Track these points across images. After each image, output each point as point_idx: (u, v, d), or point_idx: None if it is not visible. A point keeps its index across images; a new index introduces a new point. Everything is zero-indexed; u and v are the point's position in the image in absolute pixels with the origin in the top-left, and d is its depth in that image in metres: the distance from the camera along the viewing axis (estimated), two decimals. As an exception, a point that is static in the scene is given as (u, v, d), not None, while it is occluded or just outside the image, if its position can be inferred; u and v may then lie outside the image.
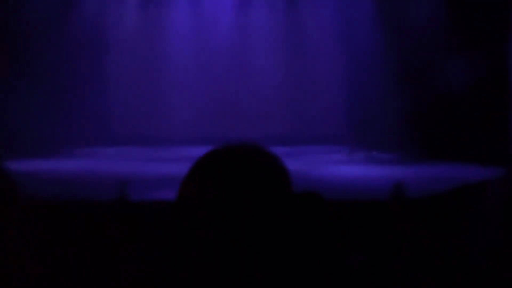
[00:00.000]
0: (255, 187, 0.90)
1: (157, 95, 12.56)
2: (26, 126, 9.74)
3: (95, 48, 12.09)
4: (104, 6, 12.20)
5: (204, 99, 12.56)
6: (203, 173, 0.93)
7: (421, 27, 9.95)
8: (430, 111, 9.58)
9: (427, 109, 9.68)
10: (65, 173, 7.45)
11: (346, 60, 12.62)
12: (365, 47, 11.59)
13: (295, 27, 12.70)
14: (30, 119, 9.82)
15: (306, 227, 1.95)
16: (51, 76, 10.75)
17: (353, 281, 1.43)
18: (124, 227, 4.05)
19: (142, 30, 12.52)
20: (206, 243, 0.87)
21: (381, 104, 11.01)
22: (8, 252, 1.35)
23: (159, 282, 1.07)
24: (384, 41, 11.14)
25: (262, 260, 0.88)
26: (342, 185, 6.43)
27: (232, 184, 0.89)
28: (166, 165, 8.30)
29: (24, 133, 9.54)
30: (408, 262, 3.78)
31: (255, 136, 12.31)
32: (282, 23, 12.67)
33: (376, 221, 5.19)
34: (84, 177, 7.01)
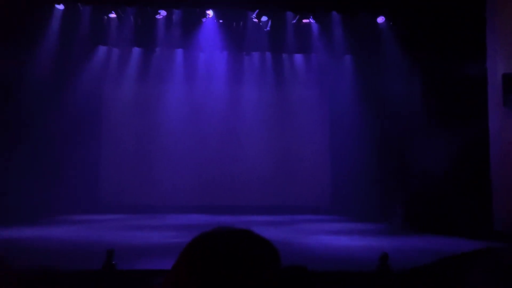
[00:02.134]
0: (247, 273, 0.88)
1: (147, 165, 12.75)
2: (14, 192, 9.75)
3: (88, 118, 12.43)
4: (101, 80, 12.75)
5: (194, 169, 12.78)
6: (193, 259, 0.91)
7: (401, 101, 10.47)
8: (413, 184, 9.81)
9: (410, 183, 9.91)
10: (51, 241, 7.39)
11: (331, 134, 13.17)
12: (349, 122, 12.14)
13: (283, 102, 13.35)
14: (18, 186, 9.85)
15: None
16: (43, 144, 10.94)
17: None
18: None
19: (136, 104, 12.96)
20: None
21: (364, 177, 11.30)
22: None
23: None
24: (366, 115, 11.69)
25: None
26: (329, 255, 6.47)
27: (222, 271, 0.88)
28: (154, 234, 8.29)
29: (12, 200, 9.53)
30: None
31: (242, 205, 12.42)
32: (271, 99, 13.30)
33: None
34: (71, 245, 6.96)
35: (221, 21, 11.53)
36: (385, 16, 11.25)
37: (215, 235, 0.96)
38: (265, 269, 0.92)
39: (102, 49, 12.55)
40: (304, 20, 11.68)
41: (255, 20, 11.44)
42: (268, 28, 11.58)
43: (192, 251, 0.93)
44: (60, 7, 10.92)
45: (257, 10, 11.20)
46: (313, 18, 11.68)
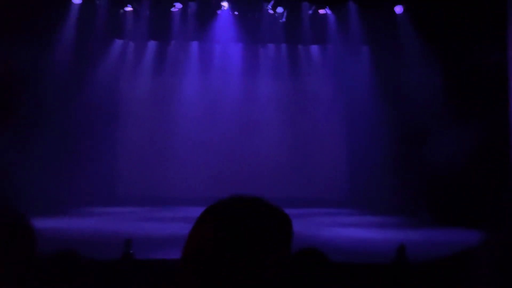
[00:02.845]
0: (260, 237, 0.92)
1: (163, 157, 12.82)
2: (35, 185, 9.93)
3: (105, 111, 12.55)
4: (118, 73, 12.84)
5: (211, 162, 12.79)
6: (210, 222, 0.95)
7: (420, 93, 10.30)
8: (433, 176, 9.68)
9: (430, 175, 9.78)
10: (71, 231, 7.52)
11: (348, 127, 13.02)
12: (366, 114, 11.98)
13: (299, 94, 13.23)
14: (37, 179, 10.02)
15: (308, 282, 2.03)
16: (61, 138, 11.09)
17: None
18: (128, 285, 4.08)
19: (152, 97, 13.02)
20: None
21: (382, 169, 11.18)
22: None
23: None
24: (384, 107, 11.54)
25: None
26: (346, 247, 6.44)
27: (237, 232, 0.91)
28: (170, 225, 8.36)
29: (31, 192, 9.70)
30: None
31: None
32: (287, 91, 13.21)
33: (379, 284, 5.17)
34: (90, 236, 7.07)
35: (236, 12, 11.48)
36: (403, 6, 11.05)
37: (228, 204, 0.99)
38: (276, 240, 0.95)
39: (118, 43, 12.64)
40: (320, 11, 11.56)
41: (271, 11, 11.36)
42: (283, 19, 11.48)
43: (205, 219, 0.97)
44: (77, 1, 11.02)
45: (272, 1, 11.12)
46: (330, 9, 11.54)
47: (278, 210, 1.02)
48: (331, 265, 2.13)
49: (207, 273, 0.90)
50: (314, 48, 13.10)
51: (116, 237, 6.75)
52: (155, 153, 12.85)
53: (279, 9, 11.31)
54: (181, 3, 11.29)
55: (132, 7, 11.45)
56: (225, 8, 11.39)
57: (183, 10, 11.43)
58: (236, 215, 0.95)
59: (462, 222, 8.48)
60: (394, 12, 11.16)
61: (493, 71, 8.87)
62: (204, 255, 0.91)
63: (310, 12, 11.48)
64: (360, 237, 7.25)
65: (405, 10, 11.10)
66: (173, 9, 11.44)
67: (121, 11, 11.53)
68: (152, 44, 12.86)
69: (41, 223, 8.29)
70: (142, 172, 12.71)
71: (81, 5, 11.08)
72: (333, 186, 12.81)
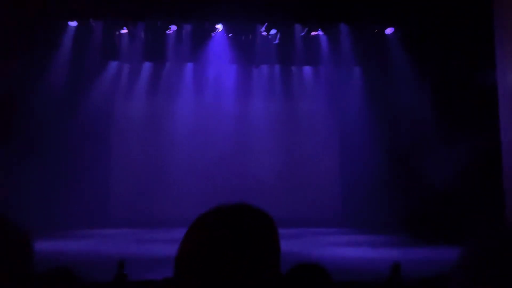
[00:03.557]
0: (254, 236, 0.96)
1: (157, 178, 12.79)
2: (28, 206, 9.85)
3: (100, 132, 12.56)
4: (112, 94, 12.91)
5: (204, 182, 12.78)
6: (200, 231, 0.99)
7: (411, 112, 10.43)
8: (423, 195, 9.72)
9: (420, 193, 9.82)
10: (64, 253, 7.45)
11: (340, 146, 13.12)
12: (358, 134, 12.10)
13: (292, 114, 13.36)
14: (29, 200, 9.95)
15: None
16: (55, 158, 11.07)
17: None
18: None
19: (146, 118, 13.08)
20: None
21: (375, 188, 11.22)
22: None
23: None
24: (376, 126, 11.66)
25: None
26: (340, 267, 6.42)
27: (226, 242, 0.95)
28: (164, 246, 8.30)
29: (23, 214, 9.61)
30: None
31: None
32: (280, 111, 13.33)
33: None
34: (83, 258, 7.00)
35: (230, 35, 11.67)
36: (393, 27, 11.29)
37: (212, 213, 1.04)
38: (267, 238, 0.99)
39: (113, 65, 12.75)
40: (313, 33, 11.77)
41: (264, 33, 11.56)
42: (277, 41, 11.68)
43: (191, 232, 1.01)
44: (73, 24, 11.16)
45: (266, 23, 11.32)
46: (322, 30, 11.76)
47: (262, 212, 1.08)
48: (332, 283, 2.13)
49: (204, 275, 0.92)
50: (307, 69, 13.30)
51: (109, 259, 6.70)
52: (149, 175, 12.83)
53: (273, 31, 11.52)
54: (176, 25, 11.47)
55: (127, 30, 11.60)
56: (219, 31, 11.58)
57: (178, 33, 11.60)
58: (229, 217, 1.00)
59: (454, 239, 8.49)
60: (384, 33, 11.41)
61: (482, 89, 9.00)
62: (200, 256, 0.94)
63: (303, 34, 11.70)
64: (354, 256, 7.24)
65: (395, 31, 11.35)
66: (168, 32, 11.61)
67: (117, 33, 11.67)
68: (147, 66, 12.98)
69: (35, 245, 8.22)
70: (136, 193, 12.65)
71: (77, 27, 11.21)
72: (326, 205, 12.82)
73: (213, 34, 11.64)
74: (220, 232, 0.96)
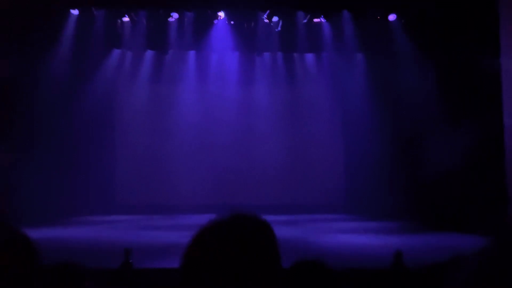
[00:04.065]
0: (250, 254, 1.02)
1: (161, 165, 12.88)
2: (33, 194, 9.96)
3: (103, 120, 12.63)
4: (115, 82, 12.93)
5: (208, 169, 12.86)
6: (204, 242, 1.06)
7: (414, 99, 10.41)
8: (427, 181, 9.75)
9: (424, 180, 9.85)
10: (69, 241, 7.55)
11: (344, 132, 13.14)
12: (362, 120, 12.10)
13: (295, 101, 13.35)
14: (34, 188, 10.05)
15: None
16: (59, 146, 11.15)
17: None
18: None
19: (150, 106, 13.12)
20: None
21: (379, 174, 11.25)
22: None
23: None
24: (379, 113, 11.65)
25: None
26: (343, 253, 6.50)
27: (230, 252, 1.02)
28: (169, 233, 8.40)
29: (28, 201, 9.73)
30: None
31: (257, 204, 12.46)
32: (283, 98, 13.33)
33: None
34: (89, 245, 7.10)
35: (232, 22, 11.61)
36: (396, 14, 11.20)
37: (210, 229, 1.11)
38: (262, 255, 1.05)
39: (116, 52, 12.73)
40: (315, 20, 11.69)
41: (266, 20, 11.49)
42: (279, 29, 11.61)
43: (192, 249, 1.09)
44: (75, 12, 11.12)
45: (268, 11, 11.25)
46: (324, 17, 11.68)
47: (259, 220, 1.14)
48: (332, 275, 2.14)
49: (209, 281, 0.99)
50: (310, 56, 13.24)
51: (115, 246, 6.79)
52: (153, 161, 12.92)
53: (275, 19, 11.45)
54: (177, 13, 11.41)
55: (129, 18, 11.55)
56: (221, 18, 11.52)
57: (180, 20, 11.55)
58: (228, 233, 1.07)
59: (458, 226, 8.55)
60: (387, 20, 11.32)
61: (486, 75, 8.96)
62: (204, 272, 1.01)
63: (305, 21, 11.62)
64: (357, 243, 7.31)
65: (398, 17, 11.26)
66: (170, 19, 11.56)
67: (119, 21, 11.63)
68: (149, 54, 12.96)
69: (40, 233, 8.33)
70: (141, 180, 12.76)
71: (79, 15, 11.18)
72: (330, 191, 12.89)
73: (215, 21, 11.58)
74: (220, 249, 1.02)
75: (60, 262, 2.21)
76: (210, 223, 1.11)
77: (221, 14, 11.43)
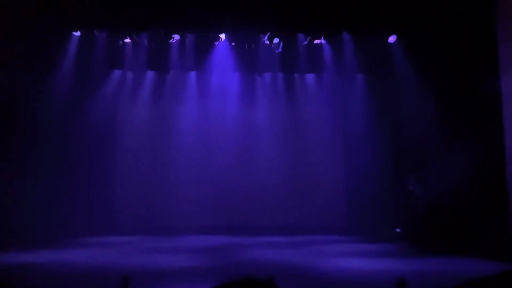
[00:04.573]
0: None
1: (161, 186, 12.83)
2: (32, 215, 9.88)
3: (104, 140, 12.63)
4: (116, 103, 12.97)
5: (209, 190, 12.82)
6: None
7: (415, 119, 10.40)
8: (430, 204, 9.67)
9: (427, 203, 9.77)
10: (66, 265, 7.44)
11: (344, 153, 13.11)
12: (362, 141, 12.10)
13: (295, 122, 13.37)
14: (34, 208, 9.98)
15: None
16: (59, 166, 11.12)
17: None
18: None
19: (150, 126, 13.14)
20: None
21: (380, 195, 11.19)
22: None
23: None
24: (379, 134, 11.65)
25: None
26: (345, 280, 6.39)
27: None
28: (168, 257, 8.30)
29: (27, 222, 9.65)
30: None
31: (257, 225, 12.37)
32: (284, 118, 13.36)
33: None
34: (86, 270, 6.99)
35: (233, 44, 11.71)
36: (396, 35, 11.30)
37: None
38: None
39: (117, 73, 12.81)
40: (316, 41, 11.79)
41: (267, 42, 11.58)
42: (279, 50, 11.71)
43: None
44: (77, 33, 11.23)
45: (268, 33, 11.35)
46: (325, 39, 11.78)
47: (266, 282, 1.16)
48: None
49: None
50: (310, 77, 13.32)
51: (113, 271, 6.69)
52: (153, 182, 12.87)
53: (275, 40, 11.54)
54: (179, 34, 11.51)
55: (130, 39, 11.65)
56: (222, 40, 11.62)
57: (181, 42, 11.65)
58: None
59: (461, 250, 8.44)
60: (387, 41, 11.41)
61: (486, 95, 8.96)
62: None
63: (306, 42, 11.71)
64: (358, 268, 7.19)
65: (398, 39, 11.35)
66: (171, 41, 11.66)
67: (120, 42, 11.73)
68: (150, 74, 13.04)
69: (35, 256, 8.18)
70: (141, 201, 12.69)
71: (81, 36, 11.28)
72: (330, 212, 12.81)
73: (216, 43, 11.68)
74: None
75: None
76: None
77: (222, 36, 11.54)
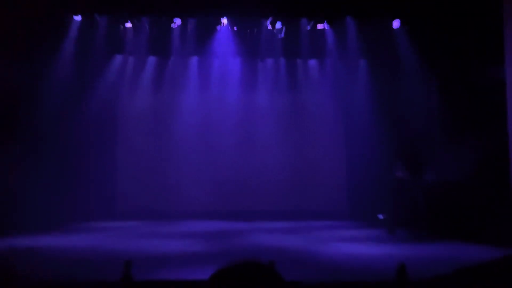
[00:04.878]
0: None
1: (162, 171, 12.85)
2: (33, 200, 9.93)
3: (105, 126, 12.62)
4: (117, 88, 12.91)
5: (210, 175, 12.83)
6: None
7: (418, 106, 10.34)
8: (432, 191, 9.67)
9: (428, 189, 9.77)
10: (68, 250, 7.50)
11: (346, 139, 13.08)
12: (364, 127, 12.04)
13: (297, 108, 13.31)
14: (35, 194, 10.02)
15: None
16: (60, 152, 11.13)
17: None
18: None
19: (151, 111, 13.10)
20: None
21: (380, 182, 11.17)
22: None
23: None
24: (382, 120, 11.59)
25: None
26: (346, 265, 6.42)
27: None
28: (170, 242, 8.35)
29: (29, 208, 9.71)
30: None
31: (258, 210, 12.41)
32: (286, 104, 13.29)
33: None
34: (88, 255, 7.04)
35: (235, 28, 11.59)
36: (400, 20, 11.16)
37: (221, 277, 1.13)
38: None
39: (118, 58, 12.74)
40: (319, 26, 11.66)
41: (269, 27, 11.46)
42: (282, 35, 11.59)
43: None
44: (78, 18, 11.13)
45: (271, 17, 11.22)
46: (328, 24, 11.65)
47: (268, 269, 1.15)
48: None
49: None
50: (313, 62, 13.21)
51: (114, 256, 6.74)
52: (155, 168, 12.89)
53: (278, 25, 11.42)
54: (180, 19, 11.40)
55: (131, 24, 11.55)
56: (224, 24, 11.50)
57: (183, 26, 11.54)
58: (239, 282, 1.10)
59: (463, 236, 8.47)
60: (391, 26, 11.27)
61: (490, 83, 8.88)
62: None
63: (309, 27, 11.58)
64: (359, 253, 7.23)
65: (402, 25, 11.21)
66: (172, 25, 11.55)
67: (121, 27, 11.63)
68: (152, 59, 12.96)
69: (38, 241, 8.25)
70: (142, 186, 12.73)
71: (82, 21, 11.18)
72: (332, 198, 12.84)
73: (218, 27, 11.56)
74: None
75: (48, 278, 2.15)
76: (218, 272, 1.15)
77: (224, 20, 11.42)
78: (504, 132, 8.46)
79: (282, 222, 11.51)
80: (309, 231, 9.98)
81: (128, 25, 11.58)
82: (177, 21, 11.46)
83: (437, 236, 8.84)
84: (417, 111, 10.28)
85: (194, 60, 13.03)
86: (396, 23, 11.26)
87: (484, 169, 8.71)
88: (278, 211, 12.53)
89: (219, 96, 13.09)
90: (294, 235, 9.34)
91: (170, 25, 11.52)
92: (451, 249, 7.71)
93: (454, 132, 9.29)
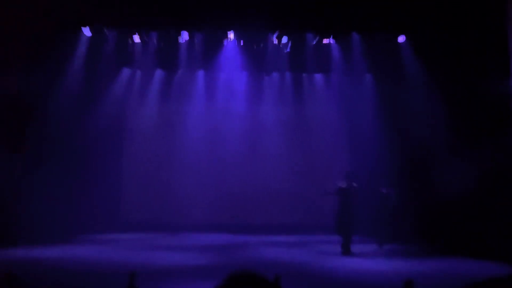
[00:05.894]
0: None
1: (168, 184, 12.88)
2: (39, 211, 9.97)
3: (112, 138, 12.71)
4: (125, 100, 13.04)
5: (214, 188, 12.84)
6: None
7: (423, 120, 10.32)
8: (438, 205, 9.60)
9: (436, 205, 9.70)
10: (74, 262, 7.51)
11: (351, 153, 13.05)
12: (369, 141, 12.02)
13: (303, 121, 13.35)
14: (42, 206, 10.06)
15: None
16: (67, 164, 11.19)
17: None
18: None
19: (158, 124, 13.21)
20: None
21: (387, 197, 11.10)
22: None
23: None
24: (387, 134, 11.56)
25: None
26: (352, 281, 6.37)
27: None
28: (174, 254, 8.33)
29: (35, 219, 9.74)
30: None
31: (262, 224, 12.37)
32: (291, 118, 13.33)
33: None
34: (93, 267, 7.05)
35: (242, 43, 11.71)
36: (405, 35, 11.22)
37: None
38: None
39: (126, 71, 12.89)
40: (324, 41, 11.75)
41: (276, 41, 11.57)
42: (288, 50, 11.69)
43: None
44: (88, 32, 11.31)
45: (277, 32, 11.34)
46: (333, 39, 11.74)
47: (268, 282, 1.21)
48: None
49: None
50: (318, 76, 13.28)
51: (119, 268, 6.74)
52: (161, 180, 12.93)
53: (284, 39, 11.53)
54: (188, 33, 11.54)
55: (140, 38, 11.72)
56: (231, 39, 11.63)
57: (190, 40, 11.69)
58: None
59: (470, 251, 8.37)
60: (396, 41, 11.34)
61: (496, 98, 8.87)
62: None
63: (314, 42, 11.68)
64: (365, 268, 7.16)
65: (407, 39, 11.27)
66: (180, 39, 11.70)
67: (130, 41, 11.80)
68: (159, 73, 13.10)
69: (44, 253, 8.25)
70: (147, 198, 12.75)
71: (91, 35, 11.36)
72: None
73: (225, 42, 11.69)
74: None
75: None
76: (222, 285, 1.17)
77: (231, 35, 11.55)
78: (510, 145, 8.42)
79: (287, 235, 11.45)
80: (313, 245, 9.92)
81: (137, 39, 11.75)
82: (185, 36, 11.61)
83: (433, 251, 8.75)
84: (424, 124, 10.26)
85: (201, 74, 13.16)
86: (401, 38, 11.33)
87: (491, 181, 8.65)
88: (283, 224, 12.48)
89: (225, 109, 13.16)
90: (299, 249, 9.28)
91: (177, 39, 11.68)
92: (459, 266, 7.61)
93: (459, 145, 9.25)
